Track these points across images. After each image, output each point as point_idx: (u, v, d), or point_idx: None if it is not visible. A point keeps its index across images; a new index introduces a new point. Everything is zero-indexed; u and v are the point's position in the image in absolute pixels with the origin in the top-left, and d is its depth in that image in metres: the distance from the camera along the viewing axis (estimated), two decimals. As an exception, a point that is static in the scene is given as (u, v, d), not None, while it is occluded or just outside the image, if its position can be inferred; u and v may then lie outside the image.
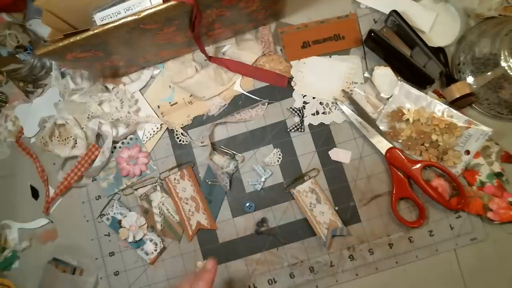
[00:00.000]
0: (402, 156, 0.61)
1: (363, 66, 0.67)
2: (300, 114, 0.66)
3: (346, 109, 0.64)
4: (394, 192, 0.62)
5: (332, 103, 0.66)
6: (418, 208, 0.62)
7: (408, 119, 0.63)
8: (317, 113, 0.67)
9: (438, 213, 0.63)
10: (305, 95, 0.67)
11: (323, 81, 0.67)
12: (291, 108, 0.67)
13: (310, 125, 0.67)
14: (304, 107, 0.67)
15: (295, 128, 0.66)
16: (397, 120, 0.64)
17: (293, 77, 0.68)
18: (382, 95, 0.65)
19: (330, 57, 0.67)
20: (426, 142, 0.62)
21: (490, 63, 0.59)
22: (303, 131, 0.66)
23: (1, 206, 0.71)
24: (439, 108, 0.62)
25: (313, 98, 0.67)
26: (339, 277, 0.64)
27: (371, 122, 0.64)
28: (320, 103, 0.67)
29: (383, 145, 0.63)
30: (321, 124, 0.66)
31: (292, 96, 0.68)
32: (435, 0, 0.67)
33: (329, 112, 0.66)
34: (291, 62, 0.68)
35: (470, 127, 0.61)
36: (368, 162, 0.65)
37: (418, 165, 0.61)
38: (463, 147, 0.62)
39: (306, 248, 0.65)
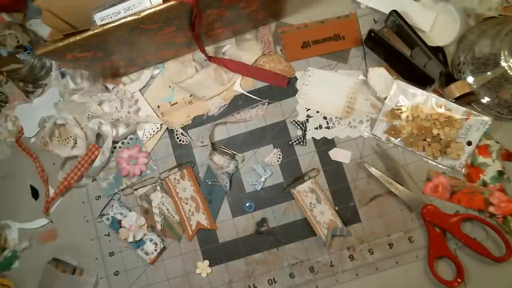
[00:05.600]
0: (439, 211, 0.61)
1: (362, 66, 0.67)
2: (303, 127, 0.66)
3: (375, 170, 0.63)
4: (431, 251, 0.61)
5: (336, 117, 0.66)
6: (456, 267, 0.60)
7: (407, 116, 0.63)
8: (320, 127, 0.67)
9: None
10: (309, 109, 0.67)
11: (328, 95, 0.66)
12: (294, 121, 0.67)
13: (313, 139, 0.66)
14: (307, 120, 0.67)
15: (297, 142, 0.66)
16: (396, 118, 0.64)
17: (292, 77, 0.68)
18: (378, 95, 0.65)
19: (336, 71, 0.67)
20: (427, 137, 0.63)
21: (490, 63, 0.59)
22: (305, 144, 0.66)
23: (1, 206, 0.71)
24: (437, 102, 0.63)
25: (317, 112, 0.67)
26: (339, 277, 0.64)
27: (401, 180, 0.62)
28: (324, 117, 0.67)
29: (417, 202, 0.62)
30: (324, 138, 0.66)
31: (294, 97, 0.68)
32: (435, 0, 0.67)
33: (332, 127, 0.66)
34: (294, 69, 0.68)
35: (469, 118, 0.62)
36: (368, 162, 0.65)
37: (456, 218, 0.60)
38: (465, 138, 0.62)
39: (306, 248, 0.65)
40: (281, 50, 0.69)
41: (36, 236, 0.69)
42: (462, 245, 0.61)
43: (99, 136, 0.69)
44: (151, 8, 0.49)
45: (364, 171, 0.65)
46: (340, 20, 0.68)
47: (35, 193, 0.70)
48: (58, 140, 0.69)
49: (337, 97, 0.66)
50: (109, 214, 0.67)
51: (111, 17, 0.52)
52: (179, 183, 0.67)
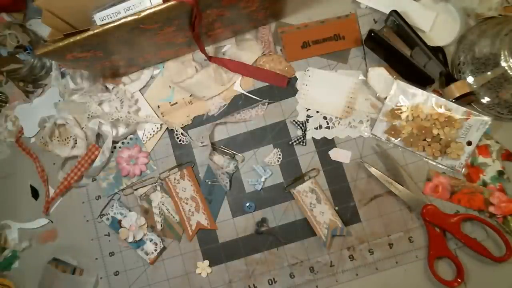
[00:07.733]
0: (439, 211, 0.61)
1: (362, 66, 0.67)
2: (303, 127, 0.66)
3: (375, 170, 0.63)
4: (431, 251, 0.61)
5: (336, 117, 0.66)
6: (456, 267, 0.61)
7: (407, 116, 0.63)
8: (320, 127, 0.67)
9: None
10: (309, 109, 0.67)
11: (328, 95, 0.66)
12: (294, 121, 0.67)
13: (313, 139, 0.66)
14: (307, 120, 0.67)
15: (297, 142, 0.66)
16: (396, 118, 0.64)
17: (292, 77, 0.68)
18: (378, 95, 0.65)
19: (336, 71, 0.67)
20: (427, 137, 0.63)
21: (490, 63, 0.59)
22: (305, 144, 0.66)
23: (1, 206, 0.71)
24: (437, 103, 0.63)
25: (317, 112, 0.67)
26: (339, 277, 0.64)
27: (401, 180, 0.63)
28: (324, 117, 0.67)
29: (417, 202, 0.62)
30: (324, 138, 0.66)
31: (294, 97, 0.68)
32: (435, 0, 0.67)
33: (332, 127, 0.66)
34: (294, 69, 0.68)
35: (469, 118, 0.62)
36: (368, 162, 0.65)
37: (456, 218, 0.60)
38: (465, 138, 0.62)
39: (306, 248, 0.65)
40: (281, 50, 0.69)
41: (36, 236, 0.69)
42: (462, 245, 0.61)
43: (99, 136, 0.69)
44: (151, 8, 0.49)
45: (364, 171, 0.65)
46: (340, 20, 0.68)
47: (35, 193, 0.70)
48: (58, 140, 0.69)
49: (337, 97, 0.66)
50: (109, 214, 0.67)
51: (111, 17, 0.52)
52: (179, 183, 0.67)
